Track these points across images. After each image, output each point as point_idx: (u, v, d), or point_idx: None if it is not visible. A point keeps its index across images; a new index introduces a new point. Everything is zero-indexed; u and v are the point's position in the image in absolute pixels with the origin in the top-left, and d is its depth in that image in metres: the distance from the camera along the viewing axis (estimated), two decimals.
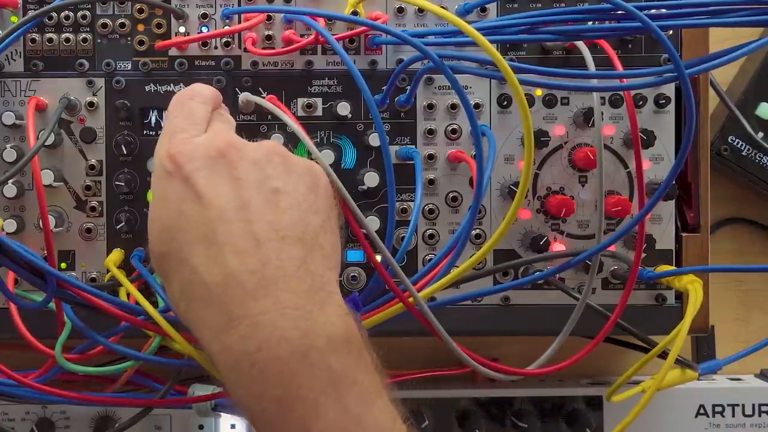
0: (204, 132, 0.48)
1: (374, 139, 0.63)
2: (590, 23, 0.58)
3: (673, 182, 0.60)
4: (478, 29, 0.49)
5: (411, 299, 0.52)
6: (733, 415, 0.70)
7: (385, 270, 0.52)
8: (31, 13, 0.62)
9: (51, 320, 0.56)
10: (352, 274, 0.63)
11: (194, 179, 0.45)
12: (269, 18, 0.63)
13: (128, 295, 0.57)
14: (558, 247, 0.64)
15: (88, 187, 0.63)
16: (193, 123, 0.48)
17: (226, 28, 0.63)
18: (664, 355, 0.62)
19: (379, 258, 0.52)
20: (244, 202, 0.44)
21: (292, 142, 0.61)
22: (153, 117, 0.63)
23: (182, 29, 0.63)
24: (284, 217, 0.45)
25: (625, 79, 0.57)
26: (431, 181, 0.63)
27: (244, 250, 0.43)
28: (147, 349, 0.57)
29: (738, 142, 0.75)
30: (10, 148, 0.62)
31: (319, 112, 0.64)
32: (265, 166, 0.46)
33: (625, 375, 0.62)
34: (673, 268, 0.63)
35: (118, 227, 0.63)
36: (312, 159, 0.51)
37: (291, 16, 0.62)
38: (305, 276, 0.44)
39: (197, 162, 0.45)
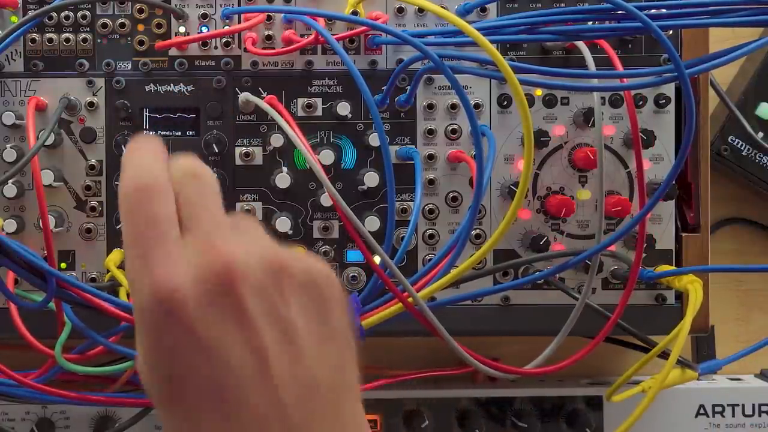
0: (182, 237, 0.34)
1: (374, 139, 0.63)
2: (590, 23, 0.58)
3: (673, 182, 0.60)
4: (478, 29, 0.49)
5: (410, 299, 0.52)
6: (733, 415, 0.70)
7: (383, 271, 0.52)
8: (31, 13, 0.62)
9: (51, 320, 0.56)
10: (352, 275, 0.63)
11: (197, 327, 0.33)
12: (269, 18, 0.63)
13: (128, 295, 0.57)
14: (558, 247, 0.64)
15: (88, 187, 0.63)
16: (164, 232, 0.34)
17: (226, 28, 0.63)
18: (664, 355, 0.62)
19: (378, 259, 0.52)
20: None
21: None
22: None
23: (182, 29, 0.63)
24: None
25: (625, 79, 0.57)
26: (431, 181, 0.63)
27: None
28: None
29: (738, 142, 0.75)
30: (10, 148, 0.62)
31: (319, 112, 0.64)
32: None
33: (625, 375, 0.62)
34: (673, 268, 0.63)
35: (118, 227, 0.63)
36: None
37: (291, 16, 0.62)
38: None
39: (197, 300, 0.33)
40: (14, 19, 0.63)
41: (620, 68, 0.56)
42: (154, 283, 0.33)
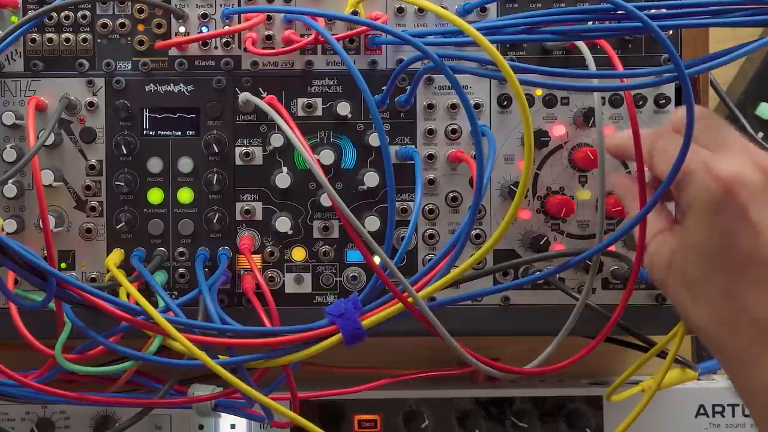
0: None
1: (374, 139, 0.63)
2: (590, 23, 0.58)
3: None
4: (478, 29, 0.49)
5: (410, 299, 0.52)
6: (733, 415, 0.70)
7: (383, 272, 0.52)
8: (31, 13, 0.61)
9: (51, 320, 0.56)
10: (352, 275, 0.64)
11: (749, 210, 0.45)
12: (269, 18, 0.63)
13: (128, 295, 0.57)
14: (558, 247, 0.64)
15: (88, 187, 0.63)
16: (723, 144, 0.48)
17: (226, 28, 0.63)
18: (663, 354, 0.62)
19: (378, 260, 0.52)
20: None
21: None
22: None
23: (182, 29, 0.63)
24: None
25: (625, 79, 0.56)
26: (431, 181, 0.63)
27: None
28: (147, 349, 0.57)
29: None
30: (10, 148, 0.62)
31: (319, 112, 0.64)
32: None
33: (624, 375, 0.62)
34: None
35: (118, 227, 0.63)
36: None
37: (291, 16, 0.62)
38: None
39: (751, 191, 0.45)
40: (14, 19, 0.63)
41: (620, 68, 0.56)
42: (727, 174, 0.45)
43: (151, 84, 0.63)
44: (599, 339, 0.58)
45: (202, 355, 0.53)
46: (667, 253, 0.50)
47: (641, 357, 0.61)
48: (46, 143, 0.60)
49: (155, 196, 0.63)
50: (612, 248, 0.62)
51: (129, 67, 0.64)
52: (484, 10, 0.64)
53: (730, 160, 0.46)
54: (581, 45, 0.59)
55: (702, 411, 0.70)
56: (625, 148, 0.54)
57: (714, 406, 0.70)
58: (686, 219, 0.48)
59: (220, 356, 0.55)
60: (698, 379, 0.69)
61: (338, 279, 0.64)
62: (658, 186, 0.50)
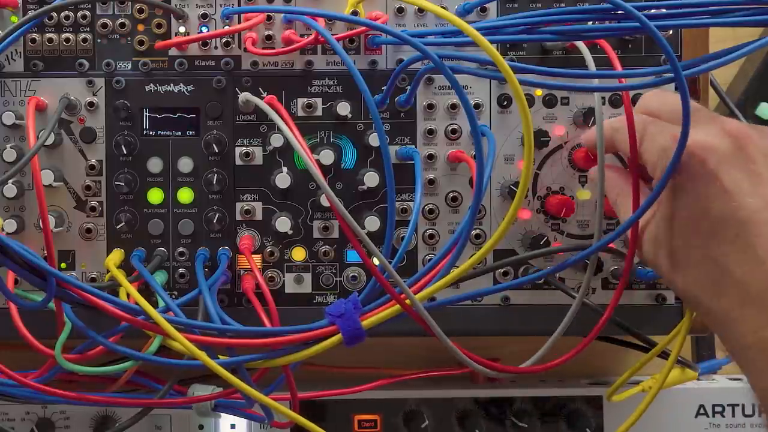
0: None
1: (374, 139, 0.63)
2: (590, 23, 0.58)
3: None
4: (478, 29, 0.49)
5: (407, 301, 0.52)
6: (733, 415, 0.70)
7: (381, 273, 0.52)
8: (31, 13, 0.61)
9: (51, 320, 0.56)
10: (352, 275, 0.64)
11: (720, 175, 0.46)
12: (269, 18, 0.63)
13: (128, 295, 0.57)
14: None
15: (88, 187, 0.63)
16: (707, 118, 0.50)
17: (226, 28, 0.63)
18: (664, 355, 0.62)
19: (377, 261, 0.52)
20: (767, 202, 0.46)
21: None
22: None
23: (182, 29, 0.63)
24: None
25: (624, 80, 0.56)
26: (431, 181, 0.63)
27: None
28: (147, 349, 0.57)
29: None
30: (10, 148, 0.62)
31: (319, 112, 0.64)
32: None
33: (625, 375, 0.62)
34: None
35: (118, 227, 0.63)
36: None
37: (291, 16, 0.62)
38: None
39: (721, 156, 0.47)
40: (14, 19, 0.63)
41: (619, 68, 0.56)
42: (694, 142, 0.47)
43: (151, 84, 0.63)
44: (591, 336, 0.57)
45: (202, 355, 0.53)
46: (652, 230, 0.51)
47: (642, 357, 0.61)
48: (46, 143, 0.60)
49: (155, 196, 0.63)
50: (612, 247, 0.62)
51: (129, 67, 0.64)
52: (484, 10, 0.64)
53: (698, 130, 0.48)
54: (581, 45, 0.59)
55: (702, 411, 0.70)
56: (610, 141, 0.55)
57: (714, 406, 0.70)
58: (663, 193, 0.50)
59: (220, 356, 0.55)
60: (698, 379, 0.69)
61: (338, 279, 0.64)
62: (643, 172, 0.52)
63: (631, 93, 0.62)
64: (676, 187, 0.49)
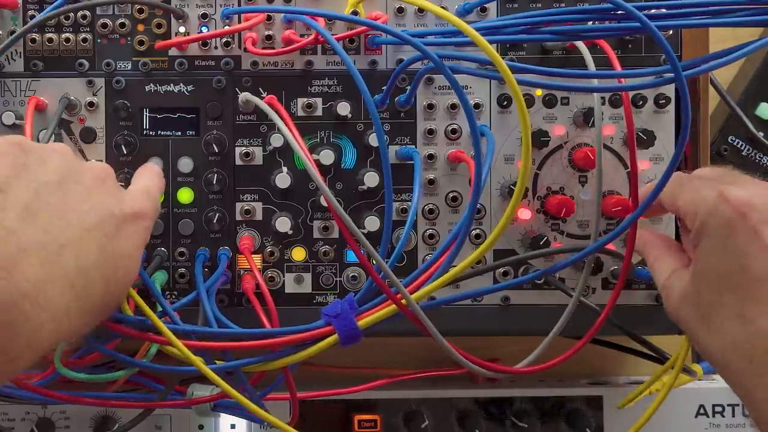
0: None
1: (374, 139, 0.63)
2: (590, 23, 0.58)
3: None
4: (478, 29, 0.49)
5: (404, 301, 0.52)
6: (733, 415, 0.70)
7: (377, 273, 0.52)
8: (31, 15, 0.62)
9: None
10: (352, 275, 0.64)
11: (762, 232, 0.44)
12: (269, 18, 0.63)
13: (128, 298, 0.57)
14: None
15: None
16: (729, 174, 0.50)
17: (226, 28, 0.63)
18: (662, 359, 0.62)
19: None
20: None
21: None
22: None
23: (182, 29, 0.63)
24: None
25: (623, 80, 0.56)
26: (431, 181, 0.63)
27: None
28: (146, 352, 0.57)
29: (738, 142, 0.75)
30: None
31: (319, 112, 0.64)
32: None
33: (640, 388, 0.62)
34: None
35: None
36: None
37: (291, 16, 0.62)
38: None
39: (765, 214, 0.45)
40: (14, 19, 0.63)
41: (619, 68, 0.56)
42: (737, 197, 0.46)
43: (151, 84, 0.63)
44: (588, 336, 0.57)
45: (197, 362, 0.53)
46: (682, 286, 0.50)
47: (657, 369, 0.61)
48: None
49: None
50: (612, 248, 0.62)
51: (129, 67, 0.64)
52: (484, 10, 0.64)
53: (740, 188, 0.46)
54: (581, 45, 0.59)
55: (702, 411, 0.70)
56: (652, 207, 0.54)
57: (714, 406, 0.70)
58: (699, 246, 0.48)
59: (217, 361, 0.55)
60: (698, 379, 0.69)
61: (338, 279, 0.64)
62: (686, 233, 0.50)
63: (631, 91, 0.63)
64: (712, 240, 0.47)
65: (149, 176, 0.57)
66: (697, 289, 0.48)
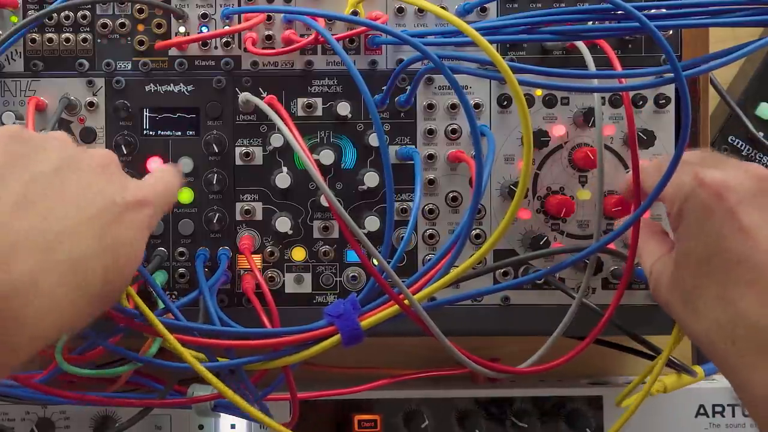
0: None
1: (374, 139, 0.63)
2: (590, 23, 0.58)
3: None
4: (478, 29, 0.49)
5: (406, 301, 0.52)
6: (733, 415, 0.70)
7: (379, 273, 0.52)
8: (31, 15, 0.62)
9: None
10: (352, 275, 0.64)
11: (738, 213, 0.45)
12: (269, 18, 0.63)
13: (127, 297, 0.57)
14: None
15: None
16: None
17: (226, 28, 0.63)
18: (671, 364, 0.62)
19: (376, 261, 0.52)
20: None
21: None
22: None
23: (182, 29, 0.63)
24: None
25: (623, 80, 0.56)
26: (431, 181, 0.63)
27: None
28: (147, 350, 0.57)
29: (738, 142, 0.75)
30: None
31: (319, 112, 0.64)
32: None
33: (634, 381, 0.62)
34: None
35: None
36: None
37: (291, 16, 0.62)
38: None
39: (741, 195, 0.45)
40: (14, 19, 0.63)
41: (619, 68, 0.56)
42: (714, 179, 0.46)
43: (151, 84, 0.63)
44: (591, 337, 0.57)
45: (194, 362, 0.53)
46: (666, 271, 0.50)
47: (649, 365, 0.61)
48: None
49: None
50: (613, 247, 0.62)
51: (129, 67, 0.64)
52: (484, 10, 0.64)
53: (719, 171, 0.47)
54: (581, 45, 0.59)
55: (702, 411, 0.70)
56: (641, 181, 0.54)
57: (714, 406, 0.70)
58: (679, 231, 0.49)
59: (219, 359, 0.55)
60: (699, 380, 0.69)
61: (338, 279, 0.64)
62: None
63: (631, 91, 0.63)
64: (691, 224, 0.47)
65: (165, 169, 0.55)
66: (680, 274, 0.49)
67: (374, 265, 0.53)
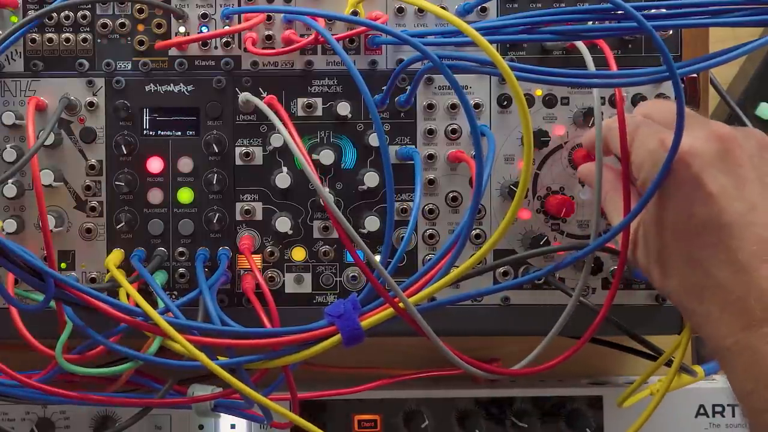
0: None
1: (374, 139, 0.63)
2: (590, 23, 0.58)
3: None
4: (478, 29, 0.49)
5: (401, 303, 0.52)
6: (733, 415, 0.70)
7: (376, 279, 0.52)
8: (31, 14, 0.62)
9: (51, 320, 0.56)
10: (352, 275, 0.64)
11: (704, 179, 0.47)
12: (269, 18, 0.63)
13: (128, 295, 0.57)
14: None
15: (88, 187, 0.63)
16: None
17: (226, 28, 0.63)
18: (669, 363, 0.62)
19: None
20: (752, 205, 0.46)
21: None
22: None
23: (182, 29, 0.63)
24: None
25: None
26: (431, 181, 0.63)
27: (759, 256, 0.45)
28: (147, 349, 0.57)
29: None
30: (10, 148, 0.62)
31: (319, 112, 0.64)
32: (759, 163, 0.48)
33: (636, 382, 0.62)
34: None
35: (118, 227, 0.63)
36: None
37: (291, 16, 0.62)
38: None
39: (706, 160, 0.47)
40: (14, 19, 0.63)
41: (615, 69, 0.56)
42: (680, 146, 0.47)
43: (151, 84, 0.63)
44: (586, 336, 0.57)
45: (201, 356, 0.53)
46: (641, 235, 0.52)
47: (651, 365, 0.61)
48: (46, 143, 0.60)
49: (154, 196, 0.63)
50: (612, 246, 0.62)
51: (129, 67, 0.64)
52: (483, 10, 0.64)
53: (686, 135, 0.47)
54: (580, 45, 0.59)
55: (702, 411, 0.70)
56: (604, 141, 0.55)
57: (714, 406, 0.70)
58: (651, 198, 0.50)
59: (219, 357, 0.55)
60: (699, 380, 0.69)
61: (338, 279, 0.64)
62: (629, 172, 0.51)
63: (631, 92, 0.63)
64: (662, 191, 0.49)
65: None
66: (650, 238, 0.50)
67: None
